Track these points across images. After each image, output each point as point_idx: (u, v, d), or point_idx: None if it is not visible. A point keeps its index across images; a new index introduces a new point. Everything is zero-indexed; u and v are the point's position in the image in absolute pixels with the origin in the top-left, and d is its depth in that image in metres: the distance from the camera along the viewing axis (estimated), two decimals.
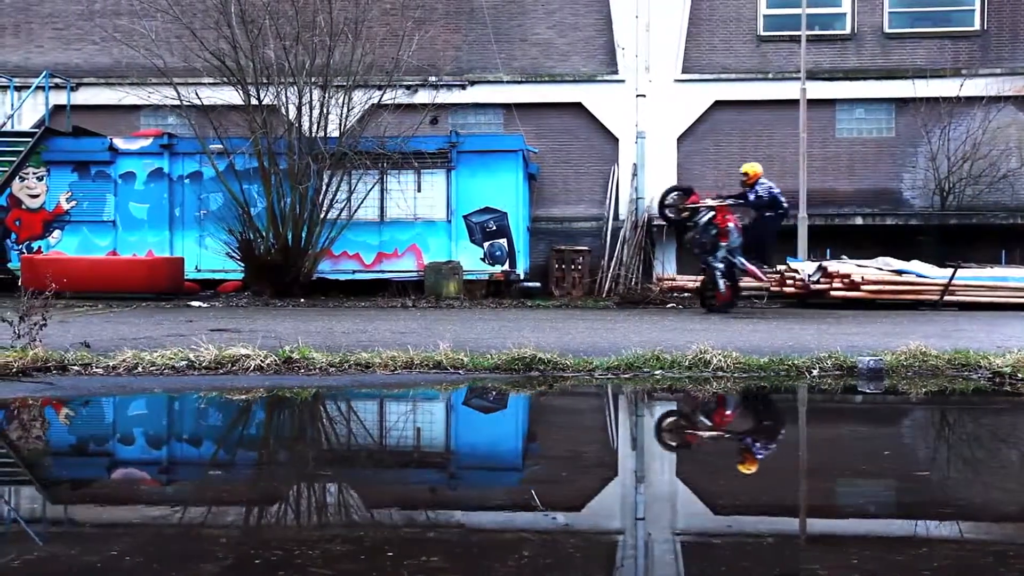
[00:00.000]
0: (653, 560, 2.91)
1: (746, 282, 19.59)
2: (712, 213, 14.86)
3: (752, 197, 15.00)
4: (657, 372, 7.46)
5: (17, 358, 6.92)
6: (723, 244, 14.77)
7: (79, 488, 4.09)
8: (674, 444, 5.32)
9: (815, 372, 7.43)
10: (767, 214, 15.21)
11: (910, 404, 6.61)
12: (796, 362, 7.61)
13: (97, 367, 7.14)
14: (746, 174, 15.19)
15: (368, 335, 10.07)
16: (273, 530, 3.21)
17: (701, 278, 15.80)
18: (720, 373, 7.42)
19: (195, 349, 7.48)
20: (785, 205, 15.21)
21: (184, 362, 7.32)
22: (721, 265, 14.83)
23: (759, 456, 4.94)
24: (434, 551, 2.84)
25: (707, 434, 5.68)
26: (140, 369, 7.14)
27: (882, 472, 4.39)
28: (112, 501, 3.76)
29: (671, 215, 15.72)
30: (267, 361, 7.34)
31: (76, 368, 7.10)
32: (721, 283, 14.92)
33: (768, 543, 3.16)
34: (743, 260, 14.95)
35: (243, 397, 6.46)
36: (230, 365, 7.30)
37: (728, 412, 6.53)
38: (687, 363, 7.61)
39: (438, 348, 7.80)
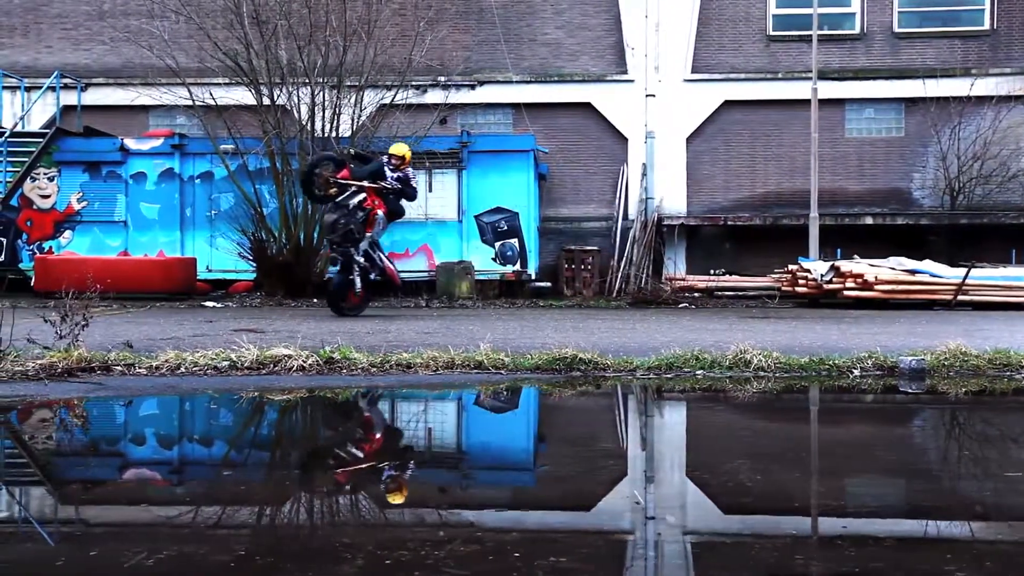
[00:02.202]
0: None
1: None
2: (363, 195, 12.89)
3: (395, 180, 13.26)
4: (699, 372, 7.47)
5: (61, 358, 6.91)
6: (368, 234, 13.06)
7: (181, 487, 4.09)
8: (766, 444, 5.28)
9: (856, 372, 7.44)
10: (394, 208, 13.47)
11: (974, 405, 6.60)
12: (836, 362, 7.61)
13: (140, 367, 7.13)
14: (402, 157, 13.37)
15: (393, 335, 10.06)
16: (389, 530, 3.21)
17: (341, 276, 13.12)
18: (761, 373, 7.43)
19: (236, 349, 7.48)
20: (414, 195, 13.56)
21: (226, 362, 7.31)
22: (362, 259, 13.06)
23: (879, 456, 4.94)
24: (560, 551, 2.85)
25: (819, 434, 5.65)
26: (183, 369, 7.13)
27: (984, 473, 4.41)
28: (219, 501, 3.76)
29: (317, 190, 13.03)
30: (308, 361, 7.33)
31: (119, 368, 7.08)
32: (358, 281, 13.10)
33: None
34: (383, 256, 13.55)
35: (294, 397, 6.45)
36: (272, 365, 7.28)
37: (812, 413, 6.50)
38: (727, 363, 7.60)
39: (477, 348, 7.80)
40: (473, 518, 3.36)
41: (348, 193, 12.89)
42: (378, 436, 5.48)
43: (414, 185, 13.61)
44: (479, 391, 6.90)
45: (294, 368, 7.24)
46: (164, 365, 7.17)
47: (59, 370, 6.77)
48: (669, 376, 7.36)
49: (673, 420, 6.21)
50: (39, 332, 7.38)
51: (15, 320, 7.42)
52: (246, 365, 7.27)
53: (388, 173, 13.30)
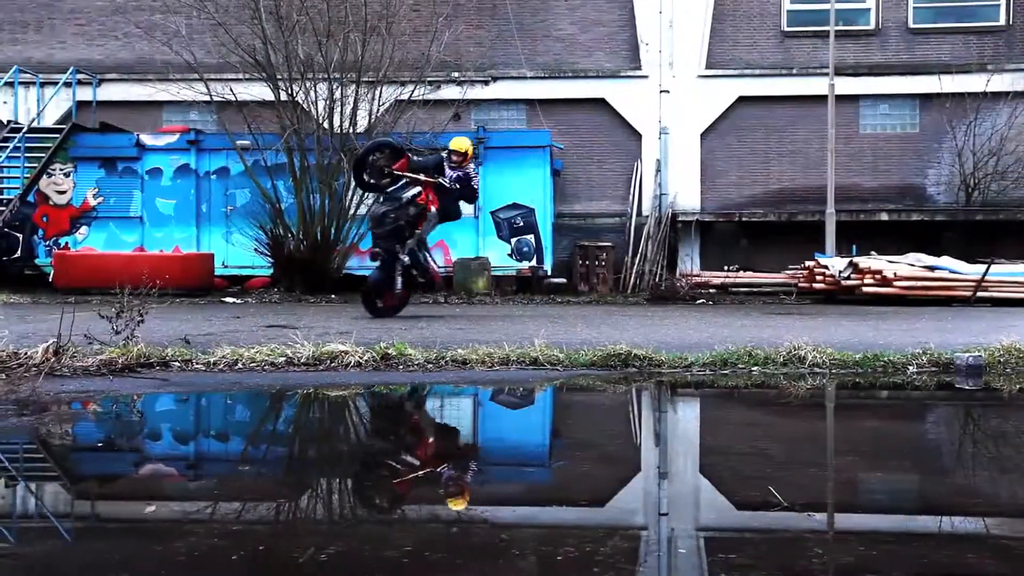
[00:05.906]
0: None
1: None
2: (419, 189, 11.82)
3: (454, 179, 12.08)
4: (754, 368, 7.47)
5: (120, 354, 6.90)
6: (418, 231, 12.05)
7: (316, 481, 4.07)
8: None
9: (912, 368, 7.45)
10: (449, 208, 12.39)
11: None
12: (891, 358, 7.62)
13: (198, 363, 7.12)
14: (463, 154, 12.14)
15: (429, 332, 10.05)
16: (547, 527, 3.19)
17: (381, 274, 12.15)
18: (816, 369, 7.43)
19: (291, 345, 7.48)
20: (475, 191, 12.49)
21: (283, 358, 7.30)
22: (407, 258, 12.01)
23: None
24: (732, 549, 2.85)
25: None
26: (240, 365, 7.13)
27: None
28: (366, 496, 3.75)
29: (370, 179, 12.08)
30: (365, 358, 7.33)
31: (177, 364, 7.07)
32: (400, 280, 12.12)
33: None
34: (429, 255, 12.61)
35: (358, 392, 6.44)
36: (328, 361, 7.28)
37: (899, 410, 6.48)
38: (781, 359, 7.62)
39: (531, 344, 7.80)
40: (617, 515, 3.35)
41: (401, 184, 11.91)
42: (492, 433, 5.44)
43: (475, 186, 12.45)
44: (555, 386, 6.89)
45: (351, 364, 7.24)
46: (221, 361, 7.17)
47: (119, 366, 6.77)
48: (725, 372, 7.37)
49: (765, 419, 6.15)
50: (93, 328, 7.35)
51: (64, 316, 7.39)
52: (303, 361, 7.28)
53: (447, 170, 12.09)
